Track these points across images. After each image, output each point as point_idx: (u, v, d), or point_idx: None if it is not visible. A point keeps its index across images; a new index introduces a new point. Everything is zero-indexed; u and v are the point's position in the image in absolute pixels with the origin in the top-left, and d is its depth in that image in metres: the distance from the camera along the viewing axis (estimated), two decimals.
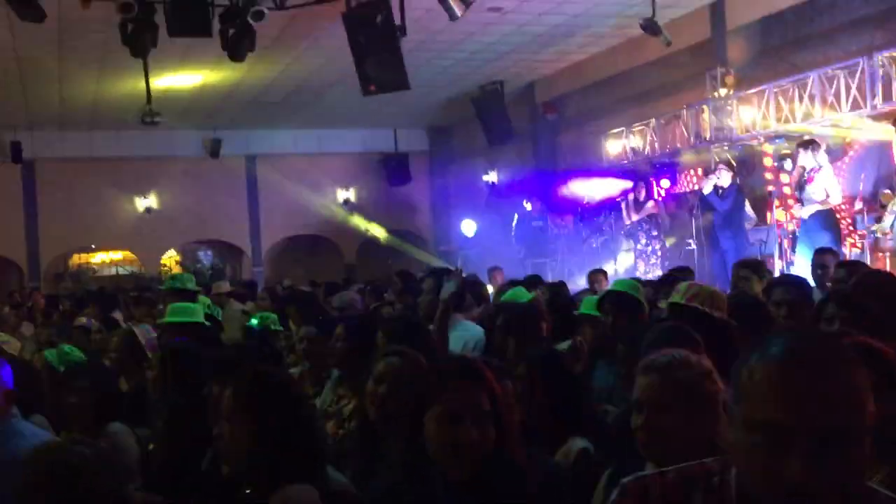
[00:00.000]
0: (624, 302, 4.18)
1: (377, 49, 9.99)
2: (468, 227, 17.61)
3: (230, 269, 20.45)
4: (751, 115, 11.08)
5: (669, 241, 11.54)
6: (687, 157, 12.50)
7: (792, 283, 4.38)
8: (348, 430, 3.56)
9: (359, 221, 19.87)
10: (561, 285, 6.80)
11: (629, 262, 11.91)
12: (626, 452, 2.28)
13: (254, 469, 2.18)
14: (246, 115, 17.41)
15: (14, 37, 11.07)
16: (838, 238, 8.56)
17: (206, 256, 20.91)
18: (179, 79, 13.97)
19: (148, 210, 19.10)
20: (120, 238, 19.32)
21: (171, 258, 20.65)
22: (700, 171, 11.66)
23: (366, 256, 20.33)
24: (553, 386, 2.99)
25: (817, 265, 5.77)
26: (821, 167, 8.62)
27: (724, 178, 9.42)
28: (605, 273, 8.62)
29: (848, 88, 9.65)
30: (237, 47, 9.31)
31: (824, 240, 8.35)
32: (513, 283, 6.34)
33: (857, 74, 9.54)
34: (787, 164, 8.80)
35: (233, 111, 16.99)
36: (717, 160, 10.87)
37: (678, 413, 2.11)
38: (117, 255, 20.69)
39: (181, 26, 8.62)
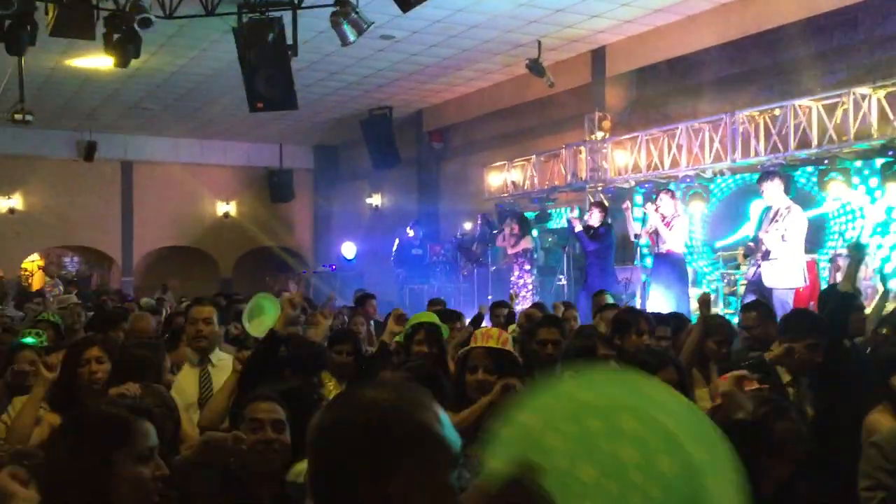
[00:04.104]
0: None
1: (267, 66, 9.96)
2: (348, 249, 17.64)
3: (97, 278, 19.64)
4: (624, 159, 11.69)
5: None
6: (564, 195, 13.02)
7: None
8: None
9: None
10: None
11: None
12: None
13: None
14: (125, 119, 16.89)
15: None
16: (686, 281, 9.15)
17: (71, 263, 20.00)
18: (56, 77, 13.43)
19: (11, 211, 18.15)
20: None
21: (33, 263, 19.64)
22: (575, 210, 12.16)
23: (243, 271, 19.98)
24: None
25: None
26: (679, 214, 9.21)
27: (595, 218, 9.89)
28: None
29: (712, 141, 10.36)
30: (122, 53, 9.09)
31: (674, 282, 8.92)
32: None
33: (721, 129, 10.25)
34: (651, 208, 9.34)
35: (112, 114, 16.45)
36: (591, 200, 11.40)
37: None
38: None
39: (64, 27, 8.35)
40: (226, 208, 20.19)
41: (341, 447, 1.38)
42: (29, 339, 5.77)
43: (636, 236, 9.71)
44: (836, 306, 4.50)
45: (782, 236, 7.83)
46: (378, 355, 4.96)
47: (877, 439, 2.60)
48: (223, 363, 4.48)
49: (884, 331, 4.53)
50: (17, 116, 11.17)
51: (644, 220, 9.69)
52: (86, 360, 3.71)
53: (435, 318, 4.91)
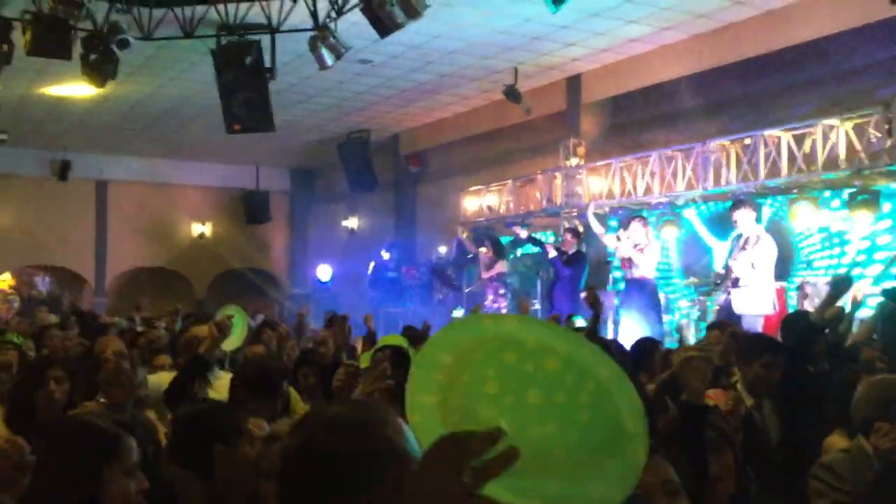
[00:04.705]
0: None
1: (245, 89, 10.01)
2: (324, 271, 17.61)
3: (69, 298, 19.40)
4: (598, 185, 11.82)
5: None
6: (539, 220, 13.11)
7: None
8: None
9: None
10: None
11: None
12: None
13: None
14: (100, 139, 16.81)
15: None
16: (659, 307, 9.24)
17: (43, 283, 19.77)
18: (31, 99, 13.36)
19: None
20: None
21: (4, 282, 19.40)
22: (543, 235, 12.26)
23: (218, 292, 19.84)
24: None
25: None
26: (650, 242, 9.32)
27: (568, 244, 9.98)
28: None
29: (684, 169, 10.51)
30: (99, 73, 9.09)
31: (647, 309, 9.00)
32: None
33: (693, 157, 10.41)
34: (622, 235, 9.46)
35: (87, 134, 16.37)
36: (566, 226, 11.49)
37: None
38: None
39: (41, 47, 8.34)
40: (201, 229, 20.10)
41: (309, 471, 1.40)
42: None
43: (608, 261, 9.81)
44: (803, 333, 4.53)
45: (752, 264, 7.95)
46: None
47: (828, 461, 2.68)
48: (220, 382, 4.43)
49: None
50: None
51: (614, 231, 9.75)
52: (46, 380, 3.63)
53: (402, 342, 4.94)
